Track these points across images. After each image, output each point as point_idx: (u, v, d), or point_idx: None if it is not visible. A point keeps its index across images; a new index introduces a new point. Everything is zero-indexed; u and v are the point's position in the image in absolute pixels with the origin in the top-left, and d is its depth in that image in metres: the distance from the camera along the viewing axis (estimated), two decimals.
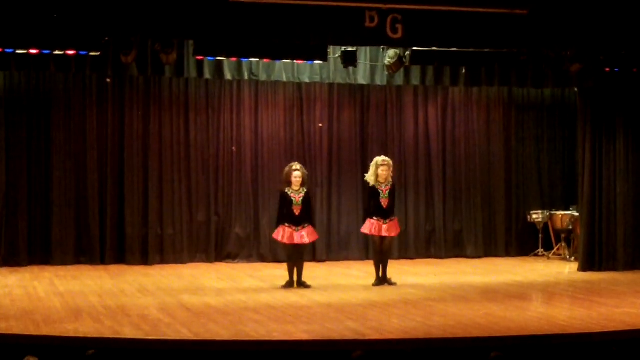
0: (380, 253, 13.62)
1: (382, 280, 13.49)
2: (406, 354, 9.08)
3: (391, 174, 13.64)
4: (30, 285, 13.34)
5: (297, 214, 13.19)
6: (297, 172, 13.26)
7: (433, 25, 12.58)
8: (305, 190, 13.35)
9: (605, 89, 15.46)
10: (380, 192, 13.49)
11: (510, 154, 18.04)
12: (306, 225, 13.28)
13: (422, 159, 17.57)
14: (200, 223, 16.57)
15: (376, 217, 13.47)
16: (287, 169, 13.47)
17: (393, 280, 13.53)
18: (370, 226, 13.52)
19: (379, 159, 13.71)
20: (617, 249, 15.54)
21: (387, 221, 13.48)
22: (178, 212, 16.43)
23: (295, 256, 13.27)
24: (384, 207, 13.48)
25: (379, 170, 13.51)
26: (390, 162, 13.71)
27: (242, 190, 16.77)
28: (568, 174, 18.03)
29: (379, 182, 13.51)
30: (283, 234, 13.19)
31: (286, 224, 13.19)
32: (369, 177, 13.60)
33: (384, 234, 13.49)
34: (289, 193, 13.24)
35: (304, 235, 13.24)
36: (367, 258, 16.86)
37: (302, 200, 13.24)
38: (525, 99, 18.11)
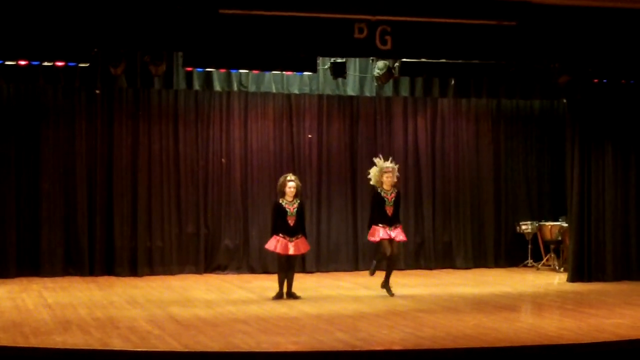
0: (389, 259, 13.54)
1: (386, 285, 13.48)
2: None
3: (395, 180, 13.59)
4: (19, 297, 13.29)
5: (291, 224, 13.17)
6: (291, 183, 13.25)
7: (422, 37, 12.61)
8: (299, 201, 13.35)
9: (593, 101, 15.52)
10: (386, 200, 13.43)
11: (499, 165, 18.07)
12: (299, 236, 13.28)
13: (411, 170, 17.58)
14: (190, 235, 16.53)
15: (381, 224, 13.43)
16: (281, 179, 13.44)
17: (392, 291, 13.53)
18: (376, 233, 13.46)
19: (383, 165, 13.59)
20: (606, 259, 15.57)
21: (393, 228, 13.44)
22: (167, 224, 16.40)
23: (286, 267, 13.26)
24: (389, 215, 13.42)
25: (384, 177, 13.46)
26: (395, 168, 13.65)
27: (232, 201, 16.75)
28: (557, 184, 18.05)
29: (384, 189, 13.48)
30: (276, 244, 13.17)
31: (281, 235, 13.18)
32: (372, 176, 13.53)
33: (392, 237, 13.39)
34: (283, 204, 13.23)
35: (298, 246, 13.23)
36: (357, 269, 16.91)
37: (297, 211, 13.23)
38: (514, 110, 18.14)
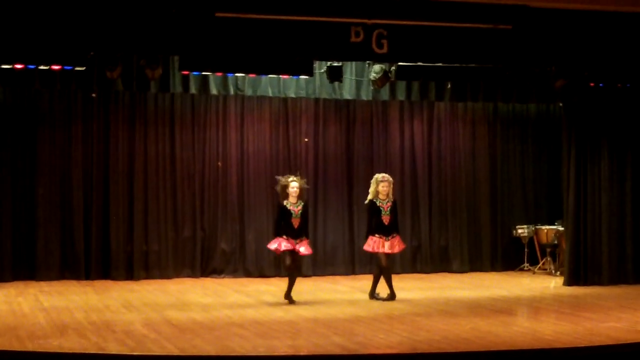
0: (386, 269, 13.57)
1: (393, 295, 13.51)
2: None
3: (391, 191, 13.63)
4: (15, 301, 13.27)
5: (295, 226, 13.13)
6: (294, 184, 13.19)
7: (418, 41, 12.61)
8: (303, 203, 13.31)
9: (589, 104, 15.53)
10: (382, 209, 13.46)
11: (496, 168, 18.08)
12: (303, 238, 13.24)
13: (407, 173, 17.59)
14: (186, 238, 16.52)
15: (378, 234, 13.44)
16: (283, 181, 13.38)
17: (381, 296, 13.54)
18: (373, 244, 13.48)
19: (379, 175, 13.68)
20: (602, 263, 15.58)
21: (390, 238, 13.46)
22: (163, 228, 16.38)
23: (293, 267, 13.18)
24: (386, 224, 13.44)
25: (380, 186, 13.49)
26: (390, 178, 13.68)
27: (228, 205, 16.73)
28: (553, 188, 18.08)
29: (380, 199, 13.50)
30: (280, 245, 13.09)
31: (285, 237, 13.12)
32: (370, 192, 13.58)
33: (387, 250, 13.46)
34: (287, 206, 13.19)
35: (303, 248, 13.20)
36: (353, 273, 16.90)
37: (301, 213, 13.20)
38: (510, 114, 18.16)
